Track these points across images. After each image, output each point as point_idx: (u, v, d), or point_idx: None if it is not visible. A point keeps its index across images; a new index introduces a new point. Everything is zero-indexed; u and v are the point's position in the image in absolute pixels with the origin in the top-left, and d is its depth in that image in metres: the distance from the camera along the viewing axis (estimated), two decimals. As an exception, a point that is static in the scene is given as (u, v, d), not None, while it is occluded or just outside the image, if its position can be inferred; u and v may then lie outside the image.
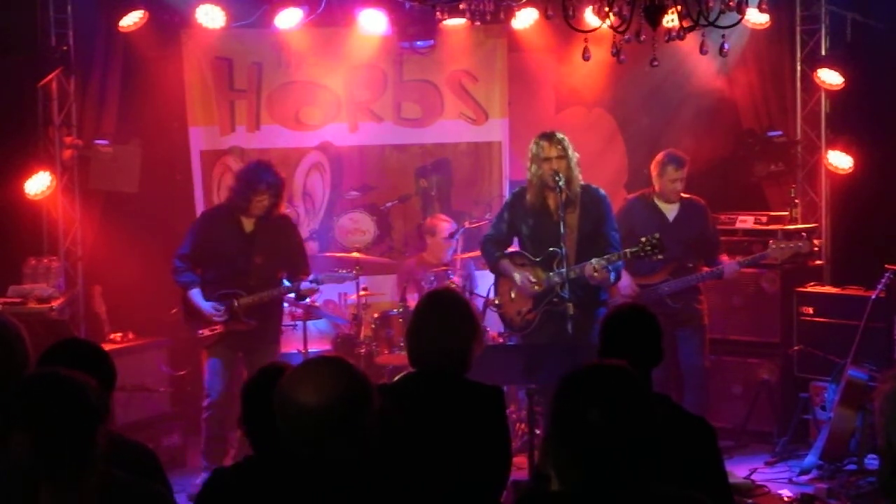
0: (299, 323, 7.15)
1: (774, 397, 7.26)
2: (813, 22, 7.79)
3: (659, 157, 6.90)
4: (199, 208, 7.81)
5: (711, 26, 4.34)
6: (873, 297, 6.65)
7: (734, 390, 7.42)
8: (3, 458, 2.18)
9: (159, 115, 7.84)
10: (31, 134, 7.50)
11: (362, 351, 7.15)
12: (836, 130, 7.81)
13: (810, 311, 7.27)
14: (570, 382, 2.39)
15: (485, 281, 7.10)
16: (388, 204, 8.09)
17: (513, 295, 6.28)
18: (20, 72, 7.32)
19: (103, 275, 7.63)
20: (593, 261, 5.89)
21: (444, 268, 7.45)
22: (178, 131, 8.00)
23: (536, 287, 6.11)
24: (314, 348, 7.19)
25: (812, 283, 7.51)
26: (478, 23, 7.83)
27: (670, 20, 4.40)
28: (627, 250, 5.99)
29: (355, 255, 7.53)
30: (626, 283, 6.67)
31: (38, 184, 7.35)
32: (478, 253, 6.83)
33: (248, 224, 6.54)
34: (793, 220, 7.62)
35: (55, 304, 6.95)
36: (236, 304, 6.46)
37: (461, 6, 7.53)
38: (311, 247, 7.69)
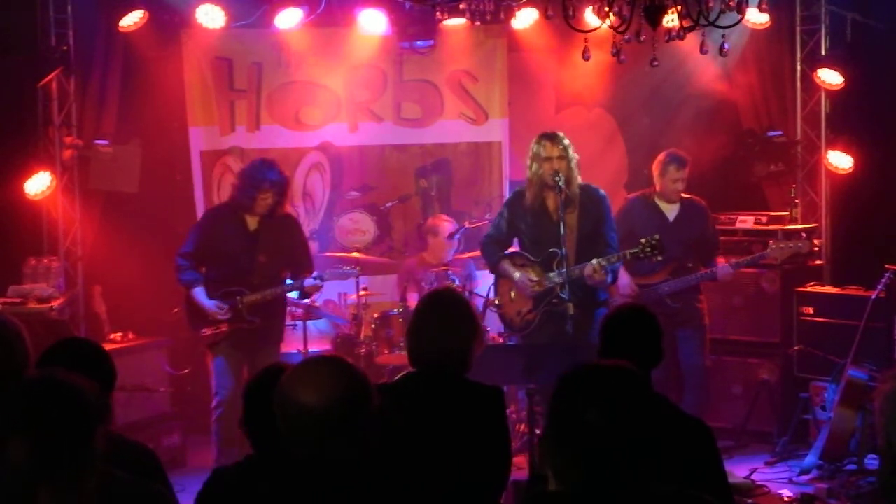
0: (299, 323, 7.15)
1: (774, 397, 7.26)
2: (813, 22, 7.79)
3: (661, 156, 6.89)
4: (199, 208, 7.81)
5: (711, 26, 4.35)
6: (873, 297, 6.64)
7: (734, 390, 7.42)
8: (1, 460, 2.18)
9: (159, 115, 7.84)
10: (31, 134, 7.50)
11: (362, 351, 7.15)
12: (836, 130, 7.80)
13: (810, 311, 7.27)
14: (569, 382, 2.38)
15: (485, 281, 7.10)
16: (388, 204, 8.09)
17: (513, 295, 6.28)
18: (20, 72, 7.33)
19: (103, 275, 7.63)
20: (594, 261, 5.89)
21: (444, 268, 7.45)
22: (178, 131, 8.01)
23: (536, 287, 6.11)
24: (314, 348, 7.19)
25: (812, 283, 7.51)
26: (478, 23, 7.84)
27: (670, 20, 4.41)
28: (627, 251, 5.99)
29: (355, 255, 7.54)
30: (626, 283, 6.68)
31: (38, 184, 7.35)
32: (478, 253, 6.83)
33: (252, 222, 6.49)
34: (793, 220, 7.62)
35: (55, 304, 6.95)
36: (240, 302, 6.40)
37: (461, 6, 7.54)
38: (312, 247, 7.66)
